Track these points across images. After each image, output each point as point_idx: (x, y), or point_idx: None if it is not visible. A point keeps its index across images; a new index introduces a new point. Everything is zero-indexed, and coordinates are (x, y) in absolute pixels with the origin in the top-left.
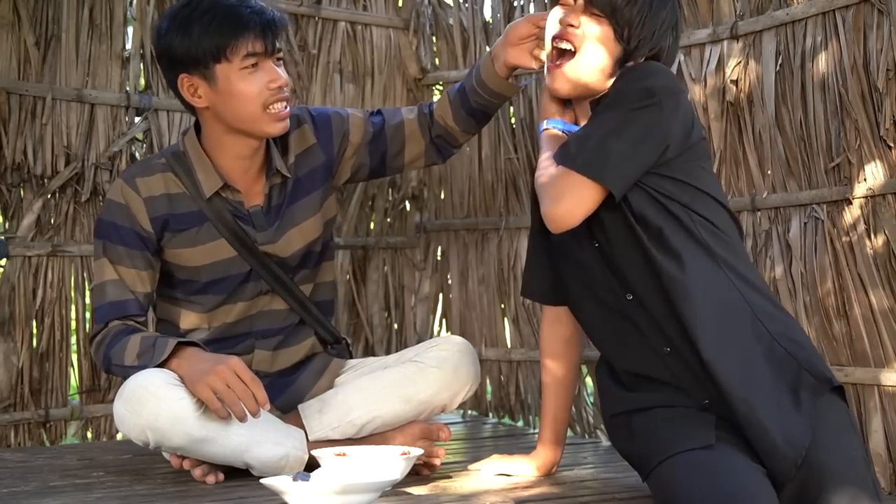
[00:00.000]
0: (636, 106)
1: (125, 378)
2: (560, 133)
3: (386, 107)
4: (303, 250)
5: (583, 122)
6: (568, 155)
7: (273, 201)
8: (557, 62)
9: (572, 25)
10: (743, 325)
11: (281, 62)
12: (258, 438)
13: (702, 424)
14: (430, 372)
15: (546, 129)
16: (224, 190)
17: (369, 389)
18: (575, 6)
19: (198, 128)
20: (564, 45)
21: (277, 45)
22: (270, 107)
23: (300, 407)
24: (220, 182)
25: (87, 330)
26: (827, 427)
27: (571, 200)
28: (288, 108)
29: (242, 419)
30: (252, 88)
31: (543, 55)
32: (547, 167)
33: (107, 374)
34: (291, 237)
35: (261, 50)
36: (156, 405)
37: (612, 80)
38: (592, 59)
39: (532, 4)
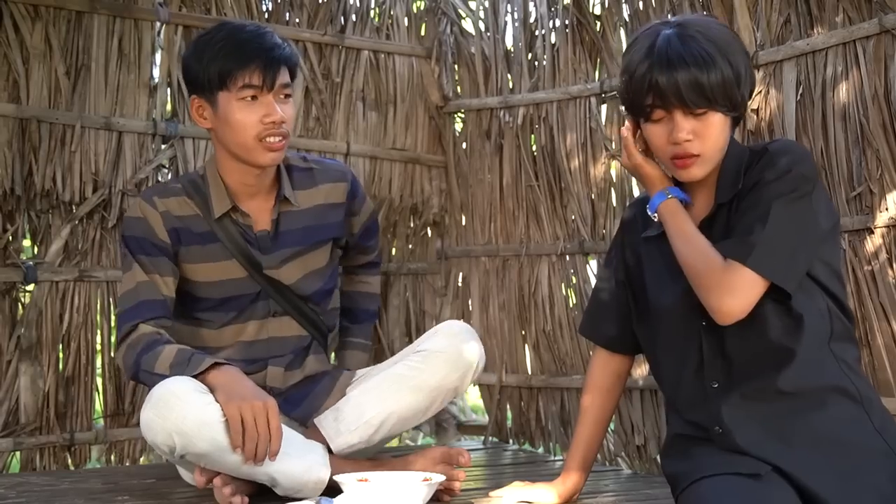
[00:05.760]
0: (795, 195)
1: (150, 386)
2: (681, 203)
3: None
4: (308, 283)
5: (694, 190)
6: (739, 251)
7: (280, 227)
8: (683, 161)
9: (688, 141)
10: (848, 415)
11: (289, 99)
12: (281, 450)
13: (757, 460)
14: (434, 357)
15: (668, 198)
16: (234, 212)
17: (379, 388)
18: (672, 115)
19: None
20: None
21: (280, 81)
22: (263, 140)
23: (316, 420)
24: (230, 204)
25: (112, 354)
26: None
27: (746, 297)
28: (283, 142)
29: (248, 457)
30: (246, 119)
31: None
32: (702, 251)
33: (131, 381)
34: (293, 267)
35: (258, 83)
36: (183, 409)
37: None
38: (717, 147)
39: (553, 33)
